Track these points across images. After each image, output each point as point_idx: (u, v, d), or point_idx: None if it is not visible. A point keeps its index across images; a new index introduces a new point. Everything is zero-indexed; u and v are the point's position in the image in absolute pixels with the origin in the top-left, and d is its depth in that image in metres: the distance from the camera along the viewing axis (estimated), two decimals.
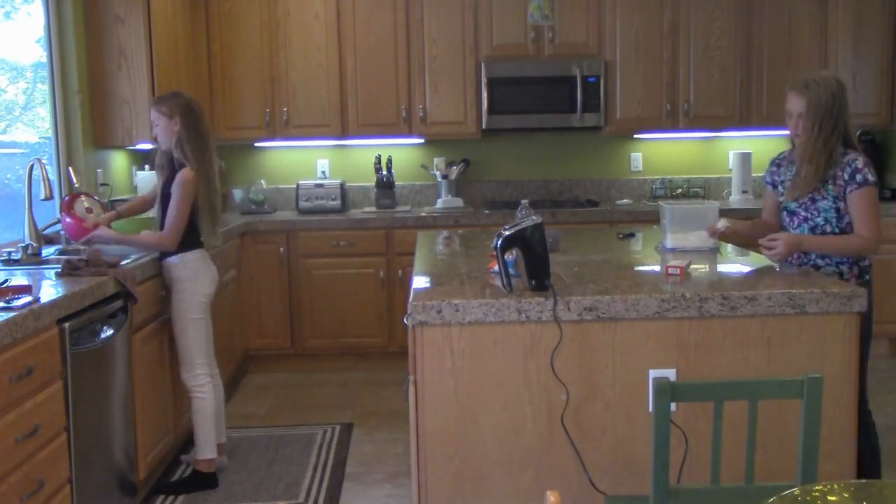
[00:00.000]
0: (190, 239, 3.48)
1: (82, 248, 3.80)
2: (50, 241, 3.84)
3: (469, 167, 5.70)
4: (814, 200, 3.00)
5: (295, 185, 5.61)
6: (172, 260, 3.46)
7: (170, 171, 3.47)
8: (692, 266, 2.85)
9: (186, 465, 3.73)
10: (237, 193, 5.82)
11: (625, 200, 5.80)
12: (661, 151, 5.94)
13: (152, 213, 4.01)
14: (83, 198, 4.06)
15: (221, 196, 3.70)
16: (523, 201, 3.27)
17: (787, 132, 6.06)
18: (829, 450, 2.43)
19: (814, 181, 2.97)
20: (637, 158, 5.93)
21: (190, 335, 3.49)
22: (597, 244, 3.58)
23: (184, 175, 3.40)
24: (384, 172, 5.60)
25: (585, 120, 5.42)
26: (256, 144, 5.76)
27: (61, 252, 3.71)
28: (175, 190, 3.39)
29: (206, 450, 3.56)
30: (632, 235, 3.85)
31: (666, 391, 1.82)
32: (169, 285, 3.50)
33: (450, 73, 5.45)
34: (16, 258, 3.40)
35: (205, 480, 3.57)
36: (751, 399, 1.89)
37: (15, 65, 4.16)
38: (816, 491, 1.52)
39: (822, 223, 3.00)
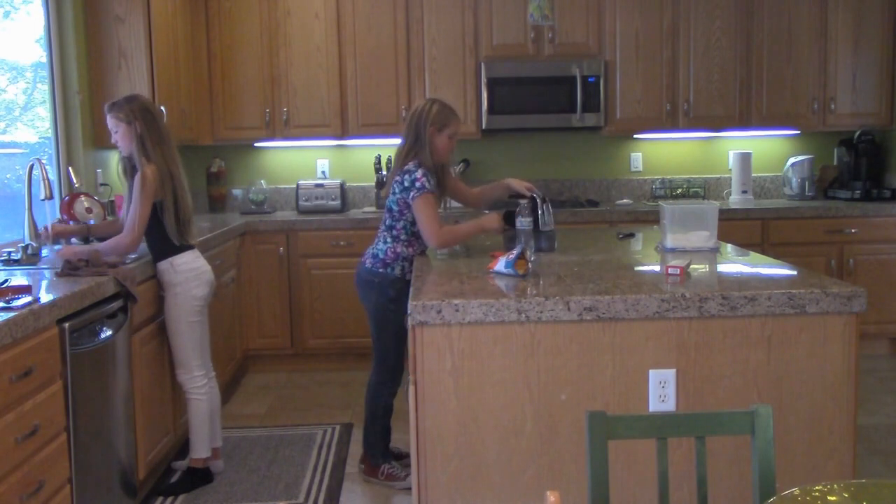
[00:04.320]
0: (177, 242, 3.44)
1: (81, 248, 3.81)
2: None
3: (469, 167, 5.70)
4: None
5: (295, 185, 5.61)
6: (163, 264, 3.43)
7: (133, 177, 3.39)
8: (692, 266, 2.85)
9: (179, 473, 3.72)
10: (237, 193, 5.82)
11: (625, 200, 5.80)
12: (661, 151, 5.94)
13: None
14: (83, 198, 4.07)
15: (191, 194, 3.57)
16: (522, 201, 3.27)
17: (787, 132, 6.07)
18: (829, 450, 2.43)
19: None
20: (637, 158, 5.93)
21: (185, 338, 3.48)
22: (597, 244, 3.58)
23: (142, 174, 3.30)
24: (384, 172, 5.60)
25: (585, 120, 5.42)
26: (256, 144, 5.76)
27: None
28: (135, 190, 3.31)
29: (200, 450, 3.57)
30: (632, 235, 3.85)
31: (602, 426, 1.68)
32: (163, 289, 3.49)
33: (450, 73, 5.45)
34: (16, 258, 3.40)
35: (200, 476, 3.58)
36: (696, 436, 1.73)
37: (15, 65, 4.16)
38: (816, 491, 1.52)
39: None
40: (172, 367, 3.60)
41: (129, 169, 3.41)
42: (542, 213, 3.32)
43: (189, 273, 3.45)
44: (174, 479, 3.65)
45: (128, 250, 3.34)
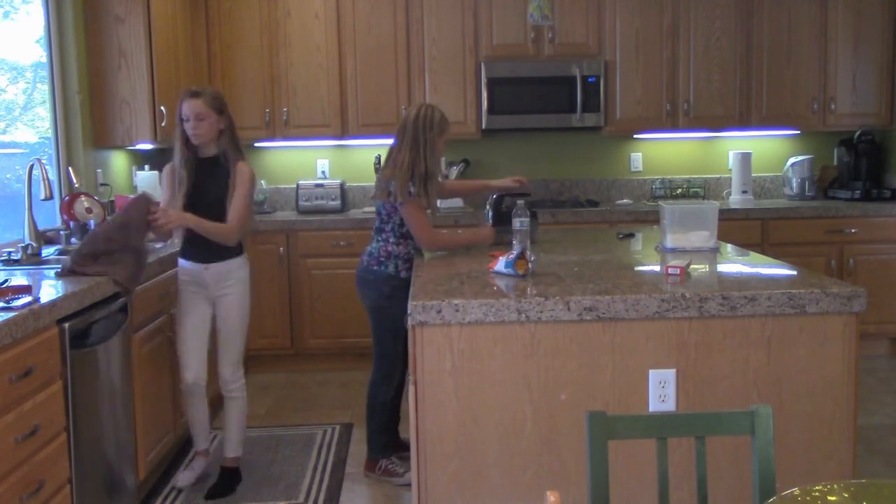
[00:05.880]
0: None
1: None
2: (50, 241, 3.84)
3: (469, 167, 5.70)
4: None
5: (295, 185, 5.61)
6: (241, 259, 3.49)
7: (206, 169, 3.35)
8: (692, 266, 2.85)
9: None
10: None
11: (625, 200, 5.80)
12: (661, 151, 5.94)
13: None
14: (83, 198, 4.07)
15: None
16: (519, 201, 3.27)
17: (787, 132, 6.07)
18: (829, 450, 2.43)
19: None
20: (637, 158, 5.93)
21: (244, 335, 3.55)
22: (597, 244, 3.58)
23: (247, 169, 3.37)
24: None
25: (585, 120, 5.42)
26: (256, 144, 5.76)
27: (61, 252, 3.72)
28: (241, 183, 3.34)
29: (240, 449, 3.62)
30: (632, 235, 3.85)
31: (602, 426, 1.68)
32: (225, 285, 3.46)
33: (450, 73, 5.45)
34: (16, 258, 3.40)
35: (237, 475, 3.61)
36: (696, 436, 1.73)
37: (15, 65, 4.16)
38: (816, 491, 1.52)
39: None
40: (174, 367, 3.60)
41: (191, 161, 3.34)
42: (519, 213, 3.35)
43: (250, 270, 3.56)
44: (214, 482, 3.56)
45: (232, 240, 3.39)
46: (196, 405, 3.57)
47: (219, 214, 3.32)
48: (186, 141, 3.33)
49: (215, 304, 3.49)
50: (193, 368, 3.47)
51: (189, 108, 3.28)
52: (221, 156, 3.37)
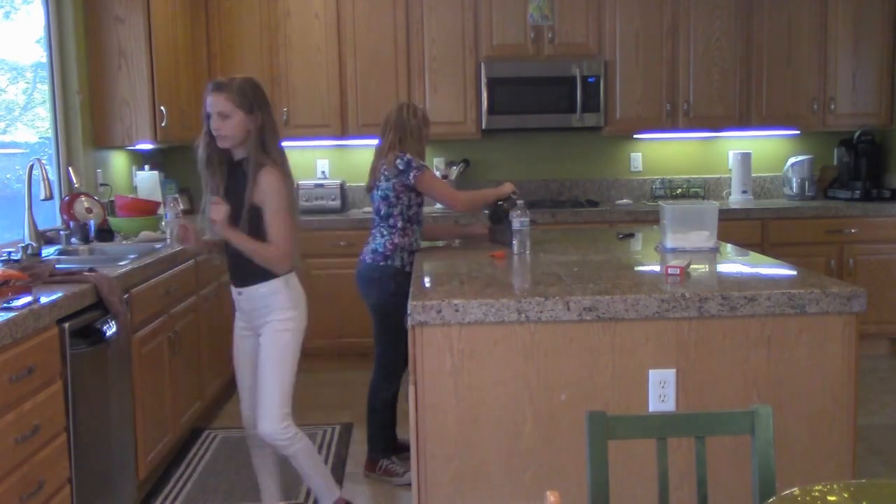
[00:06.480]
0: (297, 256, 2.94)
1: (81, 248, 3.82)
2: (50, 241, 3.84)
3: (469, 167, 5.70)
4: None
5: (295, 186, 5.61)
6: (276, 283, 2.85)
7: (233, 175, 2.88)
8: (692, 266, 2.85)
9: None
10: None
11: (625, 200, 5.80)
12: (661, 151, 5.93)
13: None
14: (83, 198, 4.07)
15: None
16: (518, 202, 3.27)
17: (787, 132, 6.07)
18: (829, 450, 2.43)
19: None
20: (637, 158, 5.93)
21: (287, 379, 2.88)
22: (597, 244, 3.57)
23: (274, 177, 2.81)
24: None
25: (585, 120, 5.42)
26: None
27: (61, 252, 3.72)
28: (271, 197, 2.80)
29: (332, 494, 3.07)
30: (632, 235, 3.85)
31: (602, 426, 1.67)
32: (257, 316, 2.91)
33: (450, 73, 5.45)
34: (16, 258, 3.40)
35: None
36: (696, 436, 1.72)
37: (15, 65, 4.16)
38: (816, 491, 1.52)
39: None
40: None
41: (221, 162, 2.89)
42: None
43: (301, 297, 2.95)
44: None
45: (283, 268, 2.86)
46: (255, 451, 3.12)
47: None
48: (212, 138, 2.85)
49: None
50: (245, 406, 3.08)
51: (211, 104, 2.80)
52: (245, 161, 2.86)
